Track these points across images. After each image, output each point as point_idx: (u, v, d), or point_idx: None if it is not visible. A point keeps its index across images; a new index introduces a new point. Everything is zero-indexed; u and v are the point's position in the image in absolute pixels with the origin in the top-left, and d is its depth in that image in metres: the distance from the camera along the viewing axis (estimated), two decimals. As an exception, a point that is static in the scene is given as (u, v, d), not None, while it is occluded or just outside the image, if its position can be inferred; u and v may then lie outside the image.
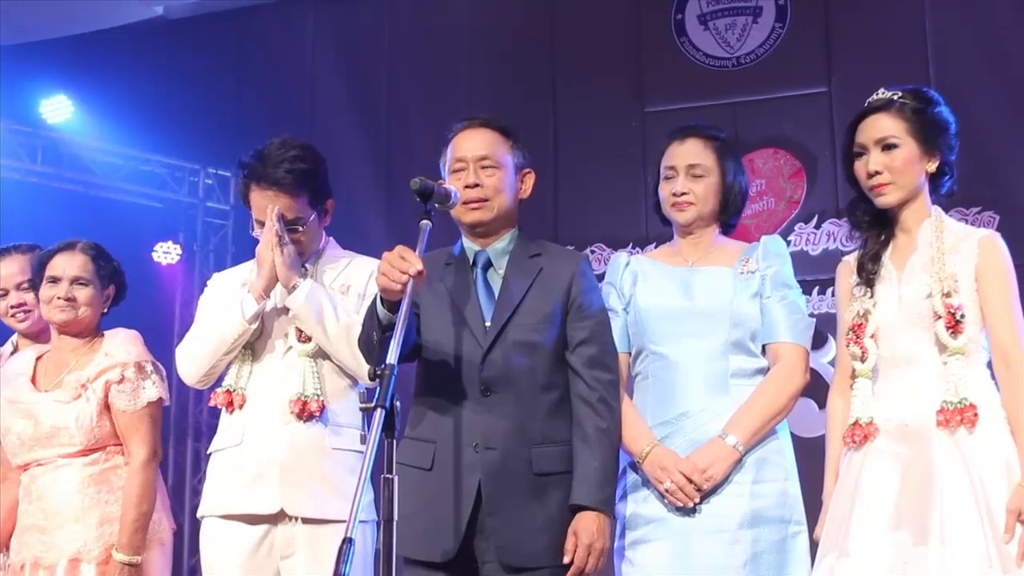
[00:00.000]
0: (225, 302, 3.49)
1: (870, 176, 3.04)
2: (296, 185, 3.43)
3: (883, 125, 3.03)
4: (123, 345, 3.77)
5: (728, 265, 3.28)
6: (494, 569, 3.01)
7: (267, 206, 3.41)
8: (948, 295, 2.91)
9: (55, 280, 3.78)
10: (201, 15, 7.99)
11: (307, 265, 3.51)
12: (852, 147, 3.09)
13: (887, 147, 3.02)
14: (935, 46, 6.56)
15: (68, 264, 3.79)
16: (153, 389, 3.71)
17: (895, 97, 3.05)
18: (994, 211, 6.13)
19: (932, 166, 3.04)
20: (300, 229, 3.46)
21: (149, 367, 3.73)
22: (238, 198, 7.61)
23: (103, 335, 3.83)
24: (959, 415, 2.84)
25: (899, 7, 6.76)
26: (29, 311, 4.15)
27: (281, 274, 3.39)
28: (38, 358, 3.86)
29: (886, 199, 3.04)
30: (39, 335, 4.17)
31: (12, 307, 4.16)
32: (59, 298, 3.75)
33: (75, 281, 3.78)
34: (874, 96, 3.08)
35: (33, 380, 3.80)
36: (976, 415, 2.84)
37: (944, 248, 2.98)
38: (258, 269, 3.43)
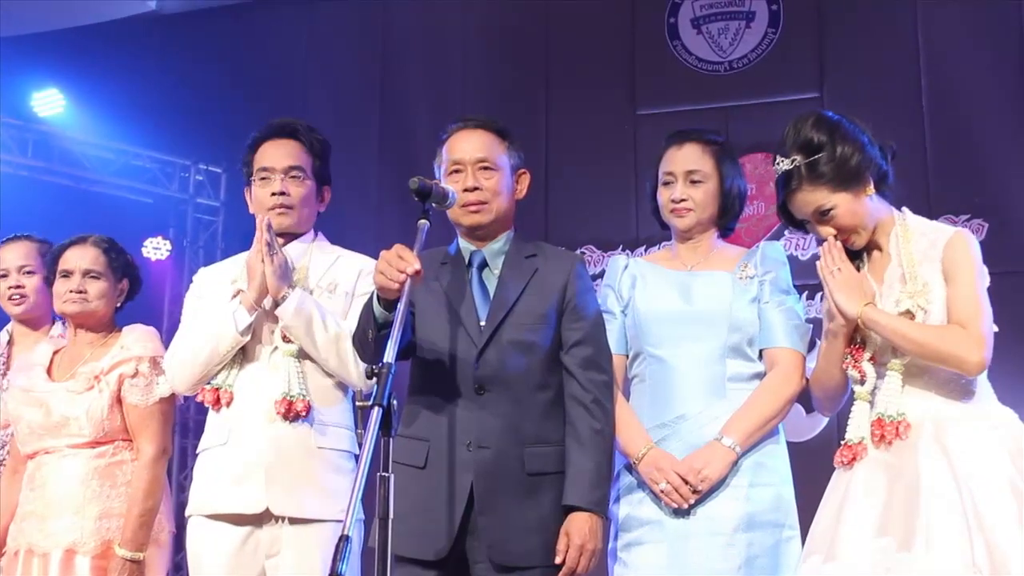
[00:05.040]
0: (215, 309, 3.47)
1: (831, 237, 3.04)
2: (309, 142, 3.57)
3: (807, 200, 3.01)
4: (140, 340, 3.77)
5: (727, 270, 3.30)
6: (485, 569, 3.01)
7: (277, 153, 3.51)
8: (926, 312, 2.93)
9: (68, 274, 3.79)
10: (195, 10, 7.98)
11: (295, 264, 3.50)
12: (800, 221, 3.08)
13: (824, 214, 3.01)
14: (928, 53, 6.58)
15: (80, 257, 3.80)
16: (166, 386, 3.68)
17: (796, 163, 2.98)
18: (983, 218, 6.15)
19: (871, 189, 3.01)
20: (300, 177, 3.52)
21: (164, 364, 3.70)
22: (228, 194, 7.78)
23: (120, 330, 3.84)
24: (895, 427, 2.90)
25: (892, 13, 6.77)
26: (26, 296, 4.21)
27: (271, 285, 3.37)
28: (55, 352, 3.87)
29: (856, 246, 3.05)
30: (34, 323, 4.24)
31: (10, 287, 4.21)
32: (71, 291, 3.76)
33: (87, 274, 3.79)
34: (776, 165, 3.02)
35: (49, 372, 3.81)
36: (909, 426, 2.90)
37: (914, 259, 2.98)
38: (248, 280, 3.42)
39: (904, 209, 3.08)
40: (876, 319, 2.92)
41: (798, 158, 2.99)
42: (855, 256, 3.08)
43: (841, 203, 2.99)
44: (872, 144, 3.04)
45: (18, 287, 4.22)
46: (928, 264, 2.96)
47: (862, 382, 3.01)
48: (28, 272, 4.22)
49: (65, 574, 3.58)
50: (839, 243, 3.00)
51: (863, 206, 3.01)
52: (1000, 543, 2.71)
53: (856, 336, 3.03)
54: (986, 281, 2.98)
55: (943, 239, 2.97)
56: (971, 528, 2.74)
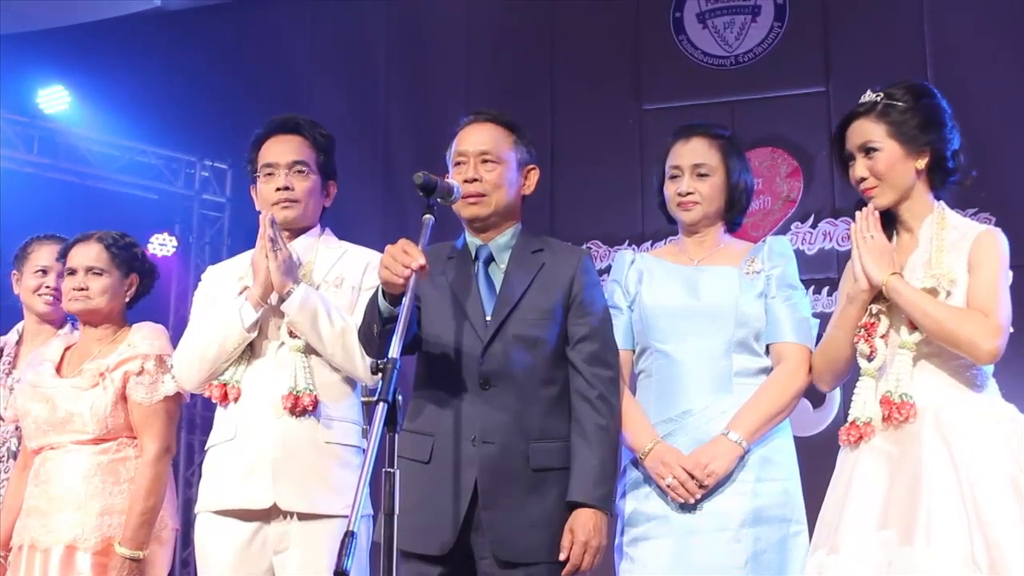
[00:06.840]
0: (222, 307, 3.47)
1: (859, 182, 3.06)
2: (312, 137, 3.57)
3: (863, 130, 3.05)
4: (147, 338, 3.77)
5: (734, 264, 3.29)
6: (490, 564, 3.01)
7: (281, 149, 3.51)
8: (949, 295, 2.93)
9: (72, 271, 3.80)
10: (199, 7, 7.98)
11: (302, 259, 3.50)
12: (844, 153, 3.11)
13: (868, 151, 3.04)
14: (933, 46, 6.58)
15: (84, 255, 3.80)
16: (171, 384, 3.67)
17: (878, 99, 3.06)
18: (990, 212, 6.13)
19: (922, 163, 3.03)
20: (304, 171, 3.51)
21: (171, 362, 3.67)
22: (234, 190, 7.78)
23: (130, 327, 3.84)
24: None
25: (898, 7, 6.77)
26: (58, 300, 4.17)
27: (276, 281, 3.36)
28: (67, 348, 3.89)
29: (878, 201, 3.05)
30: (54, 322, 4.24)
31: (47, 287, 4.20)
32: (73, 288, 3.77)
33: (89, 271, 3.79)
34: (862, 98, 3.10)
35: (59, 368, 3.82)
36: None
37: (943, 246, 2.98)
38: (254, 276, 3.42)
39: (941, 202, 3.09)
40: (900, 289, 2.93)
41: (882, 95, 3.06)
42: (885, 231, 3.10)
43: (887, 149, 3.02)
44: (951, 133, 3.07)
45: (56, 289, 4.18)
46: (955, 253, 2.97)
47: (870, 358, 3.00)
48: None
49: (66, 570, 3.59)
50: (876, 212, 3.04)
51: (905, 169, 3.03)
52: (1000, 541, 2.71)
53: (872, 309, 3.03)
54: (1010, 280, 2.99)
55: (974, 233, 2.99)
56: (971, 524, 2.74)
